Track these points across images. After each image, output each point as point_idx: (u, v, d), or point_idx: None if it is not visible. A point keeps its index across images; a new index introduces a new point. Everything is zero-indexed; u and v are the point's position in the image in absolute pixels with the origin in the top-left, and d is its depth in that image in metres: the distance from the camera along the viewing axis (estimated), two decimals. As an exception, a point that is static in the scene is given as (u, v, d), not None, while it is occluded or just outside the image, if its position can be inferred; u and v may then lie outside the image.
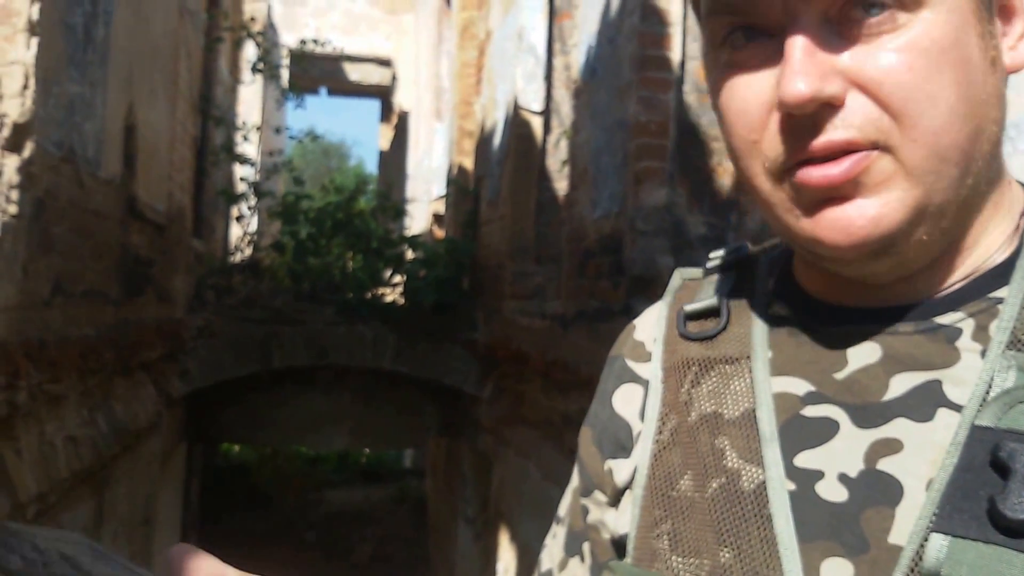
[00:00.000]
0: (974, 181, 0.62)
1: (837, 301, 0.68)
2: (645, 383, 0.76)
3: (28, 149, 3.98)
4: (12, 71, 3.98)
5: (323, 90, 13.08)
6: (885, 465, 0.60)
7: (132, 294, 5.46)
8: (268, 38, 8.92)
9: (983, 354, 0.61)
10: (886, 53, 0.58)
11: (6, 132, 3.95)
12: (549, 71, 6.23)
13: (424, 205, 10.45)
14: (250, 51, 8.28)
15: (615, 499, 0.74)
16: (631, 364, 0.78)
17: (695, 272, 0.80)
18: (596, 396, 0.81)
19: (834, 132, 0.59)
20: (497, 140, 7.10)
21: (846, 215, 0.59)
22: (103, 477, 4.84)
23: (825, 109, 0.58)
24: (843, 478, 0.61)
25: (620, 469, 0.74)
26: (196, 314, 6.78)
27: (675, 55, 4.24)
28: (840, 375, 0.65)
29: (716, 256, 0.79)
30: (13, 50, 3.96)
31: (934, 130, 0.58)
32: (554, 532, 0.83)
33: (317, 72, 11.63)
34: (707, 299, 0.75)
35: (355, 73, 12.34)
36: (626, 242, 4.31)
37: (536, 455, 5.61)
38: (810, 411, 0.65)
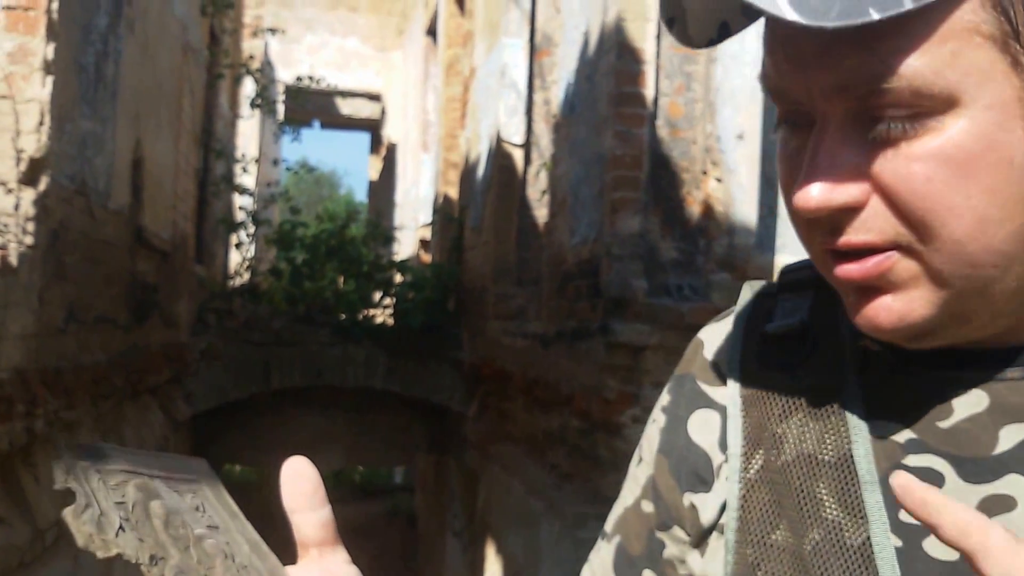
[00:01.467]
0: None
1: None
2: (722, 409, 0.71)
3: (43, 183, 4.14)
4: (29, 108, 4.17)
5: (316, 123, 13.44)
6: (998, 523, 0.55)
7: (139, 319, 5.61)
8: (265, 74, 9.23)
9: None
10: (906, 162, 0.54)
11: (23, 167, 4.12)
12: (530, 106, 6.46)
13: (411, 232, 10.74)
14: (248, 87, 8.59)
15: (698, 539, 0.70)
16: (704, 387, 0.73)
17: (768, 287, 0.74)
18: (667, 417, 0.75)
19: (854, 235, 0.57)
20: (481, 171, 7.31)
21: (873, 310, 0.58)
22: None
23: (843, 212, 0.56)
24: None
25: (704, 506, 0.69)
26: (199, 337, 6.99)
27: (649, 92, 4.43)
28: (945, 424, 0.61)
29: (794, 268, 0.73)
30: (30, 88, 4.14)
31: (956, 239, 0.55)
32: (598, 547, 0.79)
33: (311, 106, 11.98)
34: (790, 320, 0.69)
35: (347, 107, 12.76)
36: (602, 266, 4.48)
37: (520, 471, 5.72)
38: (912, 460, 0.61)
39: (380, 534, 11.05)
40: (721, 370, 0.72)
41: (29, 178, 4.13)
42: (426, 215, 9.86)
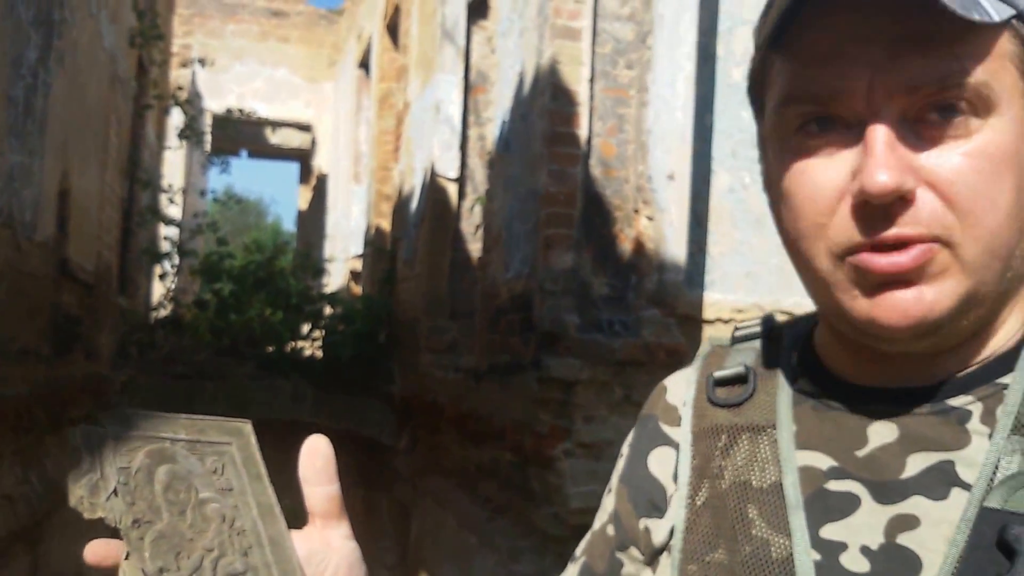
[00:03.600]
0: (1012, 275, 0.66)
1: (858, 381, 0.71)
2: (676, 445, 0.79)
3: None
4: (-44, 142, 4.08)
5: (244, 153, 13.29)
6: (904, 540, 0.64)
7: (62, 352, 5.52)
8: (193, 104, 9.12)
9: (990, 437, 0.64)
10: (958, 156, 0.62)
11: (-51, 200, 4.03)
12: (464, 141, 6.48)
13: (341, 263, 10.66)
14: (176, 117, 8.49)
15: (651, 558, 0.78)
16: (664, 427, 0.82)
17: (724, 340, 0.83)
18: (629, 453, 0.84)
19: (904, 226, 0.62)
20: (414, 204, 7.32)
21: (905, 300, 0.63)
22: (37, 534, 4.88)
23: (898, 202, 0.62)
24: (865, 550, 0.65)
25: (656, 529, 0.77)
26: (120, 370, 6.85)
27: (583, 132, 4.50)
28: (861, 452, 0.68)
29: (745, 326, 0.83)
30: (-42, 122, 4.06)
31: (991, 229, 0.62)
32: (567, 569, 0.86)
33: (239, 136, 11.86)
34: (735, 367, 0.78)
35: (276, 137, 12.64)
36: (535, 301, 4.53)
37: (452, 504, 5.72)
38: (833, 485, 0.68)
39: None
40: (678, 412, 0.80)
41: None
42: (357, 246, 9.82)
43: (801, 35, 0.63)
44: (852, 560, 0.65)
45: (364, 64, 10.34)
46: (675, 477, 0.77)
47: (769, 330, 0.81)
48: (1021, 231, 0.64)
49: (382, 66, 8.87)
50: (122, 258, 7.42)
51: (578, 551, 0.86)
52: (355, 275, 9.83)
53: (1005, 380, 0.67)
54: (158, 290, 8.47)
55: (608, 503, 0.84)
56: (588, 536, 0.85)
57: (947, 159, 0.61)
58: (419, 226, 7.07)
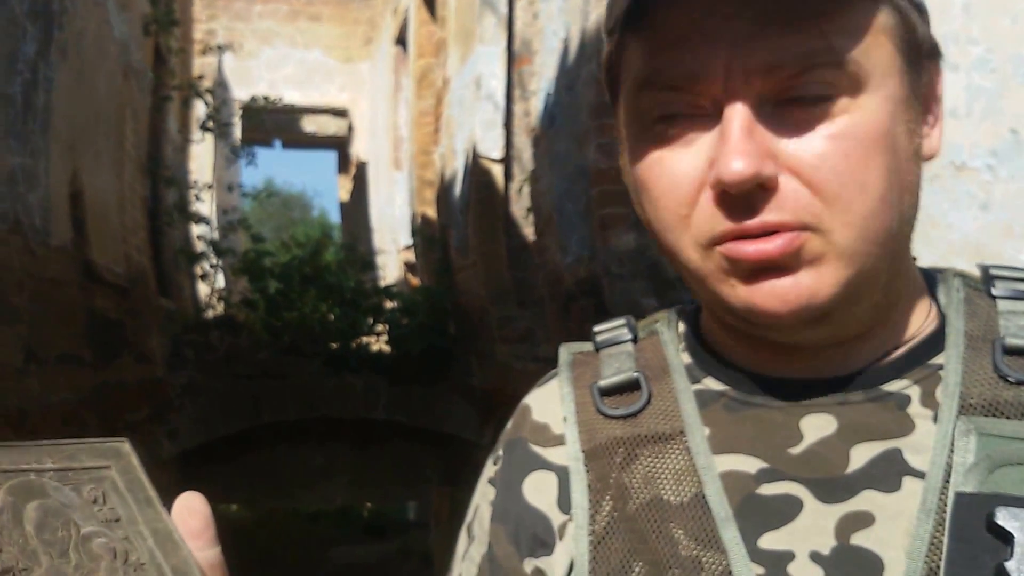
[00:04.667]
0: (898, 261, 0.64)
1: (772, 372, 0.67)
2: (558, 470, 0.71)
3: None
4: (-53, 146, 3.85)
5: (277, 143, 12.96)
6: (859, 540, 0.59)
7: (108, 357, 5.41)
8: (218, 94, 8.83)
9: (935, 419, 0.62)
10: (822, 140, 0.59)
11: (-55, 208, 3.82)
12: (509, 118, 6.19)
13: (393, 255, 10.37)
14: (200, 108, 8.18)
15: None
16: (537, 450, 0.74)
17: (585, 346, 0.77)
18: (497, 487, 0.76)
19: (768, 214, 0.59)
20: (458, 189, 7.06)
21: (783, 286, 0.60)
22: None
23: (759, 189, 0.59)
24: (816, 556, 0.60)
25: (550, 568, 0.69)
26: (177, 372, 6.63)
27: None
28: (796, 450, 0.63)
29: (605, 329, 0.76)
30: (-51, 123, 3.83)
31: (864, 215, 0.59)
32: None
33: (271, 125, 11.45)
34: (622, 373, 0.71)
35: (310, 125, 12.17)
36: (604, 286, 4.30)
37: None
38: (767, 489, 0.63)
39: (393, 575, 10.62)
40: (554, 431, 0.73)
41: None
42: (406, 237, 9.55)
43: (656, 14, 0.60)
44: (802, 569, 0.59)
45: (401, 40, 9.92)
46: (561, 505, 0.69)
47: (637, 331, 0.75)
48: (901, 216, 0.62)
49: (419, 41, 8.49)
50: (156, 259, 7.25)
51: None
52: (410, 266, 9.59)
53: (938, 360, 0.65)
54: (204, 290, 8.27)
55: (475, 553, 0.75)
56: None
57: (811, 143, 0.59)
58: (466, 212, 6.79)
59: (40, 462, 0.57)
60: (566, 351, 0.77)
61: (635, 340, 0.74)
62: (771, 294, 0.60)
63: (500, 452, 0.78)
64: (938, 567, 0.56)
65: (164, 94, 7.29)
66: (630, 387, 0.71)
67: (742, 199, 0.59)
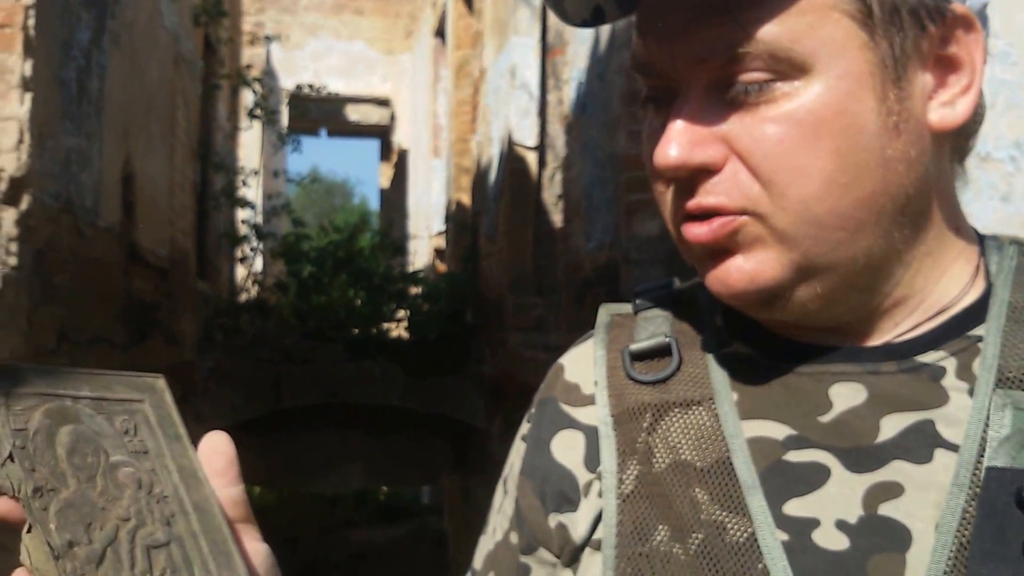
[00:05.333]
0: (879, 240, 0.61)
1: (801, 338, 0.66)
2: (586, 430, 0.71)
3: (25, 202, 4.02)
4: (7, 127, 4.02)
5: (323, 131, 13.15)
6: (887, 510, 0.59)
7: (139, 339, 5.47)
8: (266, 83, 9.01)
9: (970, 392, 0.61)
10: (760, 124, 0.59)
11: (3, 186, 3.99)
12: (543, 107, 6.26)
13: (425, 241, 10.48)
14: (249, 96, 8.37)
15: (570, 558, 0.69)
16: (567, 409, 0.74)
17: (624, 308, 0.76)
18: (527, 443, 0.76)
19: (705, 197, 0.60)
20: (493, 176, 7.12)
21: (724, 270, 0.61)
22: None
23: (701, 174, 0.60)
24: (842, 525, 0.59)
25: (573, 524, 0.69)
26: (206, 355, 6.76)
27: None
28: (825, 418, 0.62)
29: (645, 291, 0.76)
30: (7, 106, 4.01)
31: (803, 199, 0.59)
32: None
33: (316, 114, 11.66)
34: (653, 338, 0.70)
35: (354, 114, 12.40)
36: (621, 272, 4.30)
37: None
38: (794, 456, 0.62)
39: (408, 558, 10.76)
40: (584, 391, 0.73)
41: (10, 197, 4.01)
42: (439, 223, 9.66)
43: (640, 4, 0.62)
44: (827, 537, 0.59)
45: (440, 32, 10.11)
46: (588, 464, 0.70)
47: (677, 293, 0.74)
48: (871, 196, 0.60)
49: (457, 33, 8.63)
50: (199, 242, 7.34)
51: (478, 564, 0.77)
52: (439, 253, 9.69)
53: (977, 332, 0.63)
54: (241, 274, 8.42)
55: (508, 506, 0.76)
56: (489, 546, 0.77)
57: (750, 128, 0.59)
58: (498, 199, 6.87)
59: (78, 389, 0.58)
60: (605, 312, 0.77)
61: (675, 302, 0.73)
62: (716, 277, 0.62)
63: (533, 410, 0.78)
64: (968, 541, 0.55)
65: (214, 82, 7.44)
66: (661, 352, 0.70)
67: (686, 183, 0.61)
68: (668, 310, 0.73)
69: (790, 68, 0.58)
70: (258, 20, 10.67)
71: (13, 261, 3.96)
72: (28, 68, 4.02)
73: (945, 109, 0.62)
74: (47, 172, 4.20)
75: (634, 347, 0.70)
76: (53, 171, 4.27)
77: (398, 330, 7.90)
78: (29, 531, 0.53)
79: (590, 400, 0.72)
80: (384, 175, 13.96)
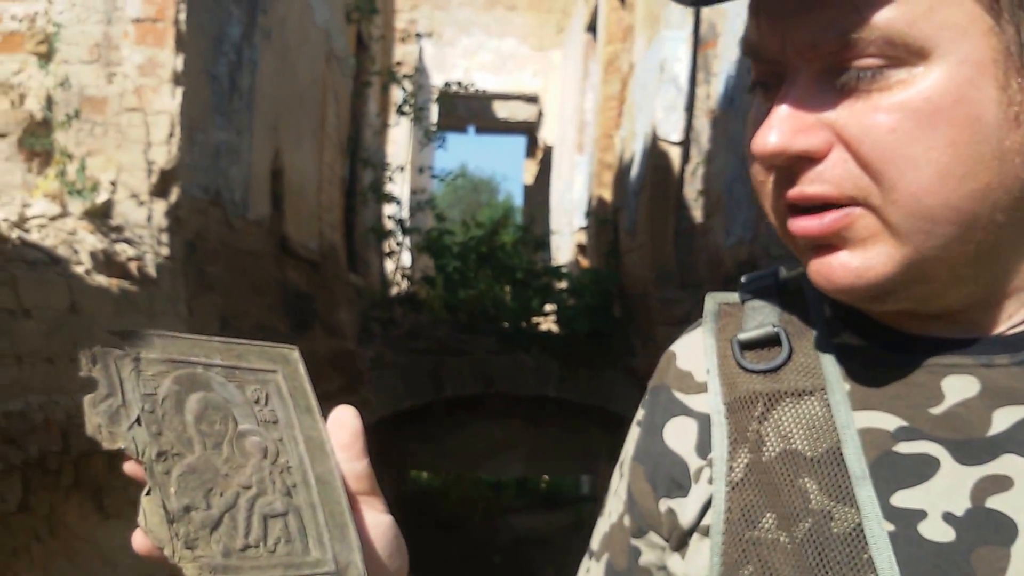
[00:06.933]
0: (992, 234, 0.59)
1: (912, 330, 0.64)
2: (699, 416, 0.71)
3: (175, 194, 4.18)
4: (158, 120, 4.18)
5: (471, 128, 13.30)
6: (995, 503, 0.58)
7: (299, 328, 5.64)
8: (417, 80, 9.17)
9: None
10: (872, 112, 0.56)
11: (154, 178, 4.15)
12: (691, 101, 6.19)
13: (568, 236, 10.51)
14: (399, 93, 8.53)
15: (678, 542, 0.70)
16: (679, 396, 0.74)
17: (732, 297, 0.75)
18: (641, 428, 0.77)
19: (809, 185, 0.58)
20: (635, 171, 7.08)
21: (828, 265, 0.59)
22: None
23: (803, 162, 0.58)
24: (948, 517, 0.58)
25: (682, 510, 0.70)
26: (367, 346, 6.97)
27: None
28: (936, 410, 0.61)
29: (752, 280, 0.74)
30: (159, 100, 4.16)
31: (914, 192, 0.56)
32: (587, 567, 0.80)
33: (465, 111, 11.82)
34: (763, 328, 0.70)
35: (503, 110, 12.48)
36: (762, 268, 4.22)
37: None
38: (904, 447, 0.61)
39: (566, 545, 10.85)
40: (696, 379, 0.73)
41: (160, 189, 4.17)
42: (581, 219, 9.66)
43: None
44: (933, 529, 0.58)
45: (592, 27, 10.06)
46: (700, 451, 0.70)
47: (784, 283, 0.72)
48: (986, 189, 0.56)
49: (609, 27, 8.58)
50: (348, 237, 7.53)
51: (595, 545, 0.79)
52: (582, 248, 9.69)
53: None
54: (391, 267, 8.62)
55: (621, 489, 0.77)
56: (605, 528, 0.78)
57: (860, 116, 0.56)
58: (639, 194, 6.83)
59: (210, 357, 0.59)
60: (712, 301, 0.76)
61: (781, 291, 0.72)
62: (818, 272, 0.60)
63: (647, 396, 0.79)
64: None
65: (365, 79, 7.59)
66: (771, 342, 0.69)
67: (786, 171, 0.59)
68: (775, 299, 0.72)
69: (907, 54, 0.55)
70: (411, 17, 10.87)
71: (165, 251, 4.13)
72: (179, 63, 4.16)
73: None
74: (196, 165, 4.36)
75: (743, 336, 0.70)
76: (203, 164, 4.43)
77: (547, 324, 7.97)
78: (148, 494, 0.53)
79: (702, 388, 0.72)
80: (528, 171, 14.02)
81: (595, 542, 0.80)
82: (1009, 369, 0.61)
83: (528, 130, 13.54)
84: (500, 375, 7.11)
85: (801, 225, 0.59)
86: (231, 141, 4.76)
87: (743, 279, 0.75)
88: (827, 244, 0.59)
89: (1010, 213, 0.58)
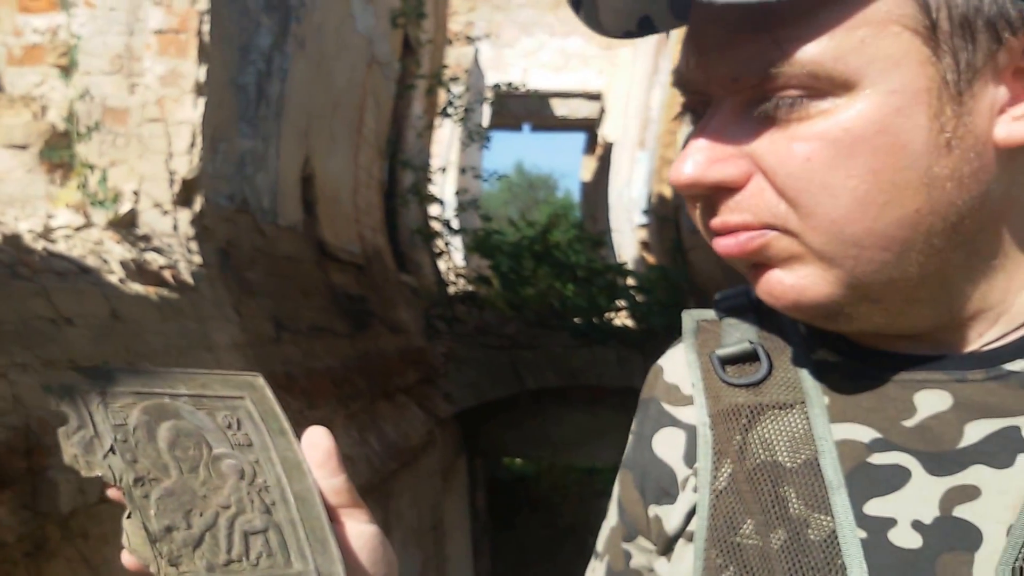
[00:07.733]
0: (932, 258, 0.59)
1: (886, 348, 0.66)
2: (687, 428, 0.74)
3: (198, 203, 4.22)
4: (180, 131, 4.24)
5: (526, 126, 13.19)
6: (962, 512, 0.59)
7: (358, 328, 5.72)
8: (470, 81, 9.14)
9: None
10: (789, 141, 0.57)
11: (176, 188, 4.21)
12: None
13: (629, 233, 10.44)
14: (452, 92, 8.49)
15: (665, 547, 0.73)
16: (668, 408, 0.77)
17: (708, 314, 0.77)
18: (632, 440, 0.80)
19: (729, 214, 0.60)
20: None
21: (767, 282, 0.61)
22: (385, 490, 5.09)
23: (723, 191, 0.59)
24: (917, 525, 0.60)
25: (668, 516, 0.73)
26: (435, 342, 7.09)
27: None
28: (909, 423, 0.63)
29: (725, 298, 0.76)
30: (181, 110, 4.22)
31: (834, 219, 0.57)
32: (593, 567, 0.83)
33: (520, 110, 11.72)
34: (740, 344, 0.72)
35: (562, 108, 12.35)
36: None
37: None
38: (877, 458, 0.63)
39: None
40: (683, 391, 0.76)
41: (183, 198, 4.22)
42: (639, 216, 9.59)
43: (690, 12, 0.61)
44: (902, 536, 0.60)
45: (665, 24, 9.92)
46: (687, 460, 0.73)
47: (758, 301, 0.73)
48: (916, 215, 0.57)
49: (680, 23, 8.44)
50: (392, 239, 7.57)
51: (599, 546, 0.83)
52: (645, 245, 9.58)
53: None
54: (444, 267, 8.66)
55: (616, 493, 0.81)
56: (606, 530, 0.82)
57: (777, 145, 0.57)
58: None
59: (174, 388, 0.60)
60: (689, 318, 0.78)
61: (757, 310, 0.74)
62: (761, 288, 0.62)
63: (638, 409, 0.81)
64: None
65: (409, 83, 7.59)
66: (749, 357, 0.71)
67: (706, 200, 0.60)
68: (751, 317, 0.74)
69: (831, 86, 0.55)
70: (469, 19, 10.84)
71: (197, 259, 4.18)
72: (202, 73, 4.20)
73: (1017, 124, 0.57)
74: (220, 174, 4.40)
75: (721, 352, 0.72)
76: (227, 173, 4.46)
77: (619, 319, 8.02)
78: (129, 517, 0.55)
79: (689, 400, 0.74)
80: (587, 168, 13.87)
81: (600, 544, 0.83)
82: (984, 384, 0.62)
83: (588, 127, 13.42)
84: (583, 368, 7.23)
85: (722, 244, 0.60)
86: (257, 149, 4.78)
87: (716, 297, 0.77)
88: (761, 264, 0.61)
89: (948, 238, 0.59)
